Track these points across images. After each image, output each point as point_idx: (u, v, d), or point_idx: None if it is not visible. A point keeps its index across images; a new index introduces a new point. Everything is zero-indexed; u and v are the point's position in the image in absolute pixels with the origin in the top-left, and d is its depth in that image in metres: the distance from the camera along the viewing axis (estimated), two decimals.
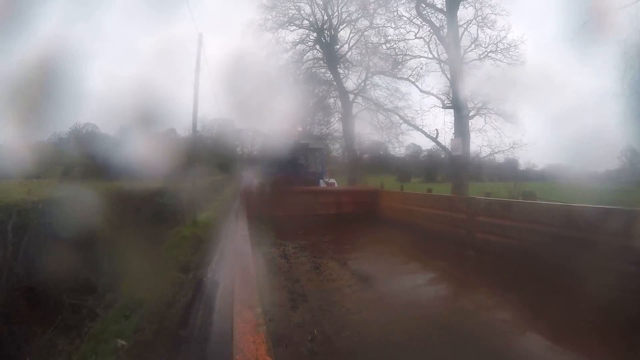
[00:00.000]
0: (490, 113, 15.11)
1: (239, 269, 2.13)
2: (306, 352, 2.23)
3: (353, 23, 18.05)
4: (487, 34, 14.70)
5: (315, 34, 18.82)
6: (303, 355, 2.20)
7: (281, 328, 2.53)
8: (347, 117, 18.81)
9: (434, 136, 15.92)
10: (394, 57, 16.61)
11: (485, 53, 14.76)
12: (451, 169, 15.31)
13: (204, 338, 3.49)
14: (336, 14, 18.32)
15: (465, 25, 14.81)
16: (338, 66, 18.71)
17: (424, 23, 15.70)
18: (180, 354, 3.24)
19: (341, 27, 18.42)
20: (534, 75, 13.01)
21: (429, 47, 15.85)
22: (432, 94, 15.97)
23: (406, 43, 16.30)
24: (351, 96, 18.83)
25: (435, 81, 17.00)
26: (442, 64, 15.54)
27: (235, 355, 1.10)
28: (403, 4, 16.11)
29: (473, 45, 14.92)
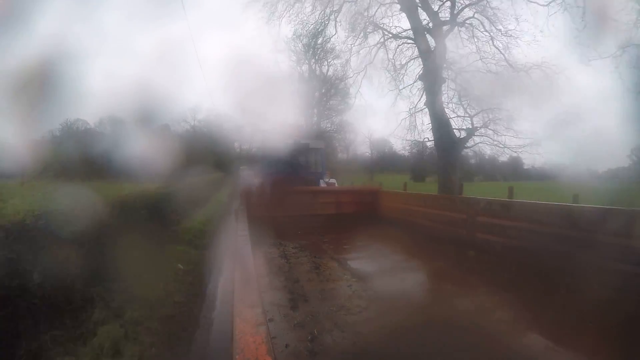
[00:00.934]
0: None
1: (239, 269, 2.14)
2: (306, 352, 2.23)
3: None
4: None
5: None
6: (303, 355, 2.20)
7: (281, 328, 2.53)
8: (433, 83, 11.47)
9: None
10: None
11: None
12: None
13: (204, 338, 3.49)
14: None
15: None
16: None
17: None
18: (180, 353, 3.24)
19: None
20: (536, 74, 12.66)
21: None
22: None
23: None
24: (444, 29, 11.53)
25: None
26: None
27: (235, 355, 1.10)
28: None
29: None
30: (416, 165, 29.35)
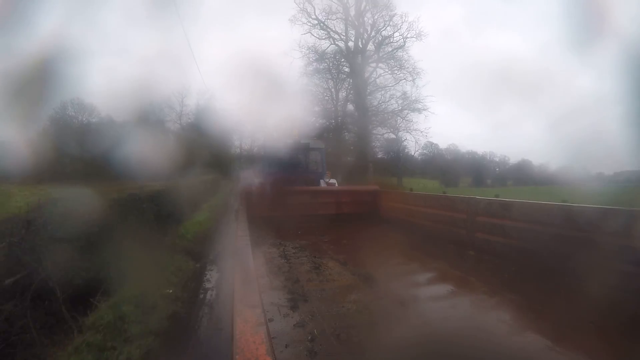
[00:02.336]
0: None
1: (239, 269, 2.13)
2: (306, 352, 2.23)
3: None
4: None
5: None
6: (303, 355, 2.20)
7: (281, 328, 2.52)
8: None
9: None
10: None
11: None
12: None
13: (204, 338, 3.49)
14: None
15: None
16: None
17: None
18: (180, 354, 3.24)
19: None
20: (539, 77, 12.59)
21: None
22: None
23: None
24: None
25: None
26: None
27: (235, 355, 1.10)
28: None
29: None
30: (445, 168, 25.97)
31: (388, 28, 18.53)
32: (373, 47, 19.16)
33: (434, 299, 3.20)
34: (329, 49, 19.17)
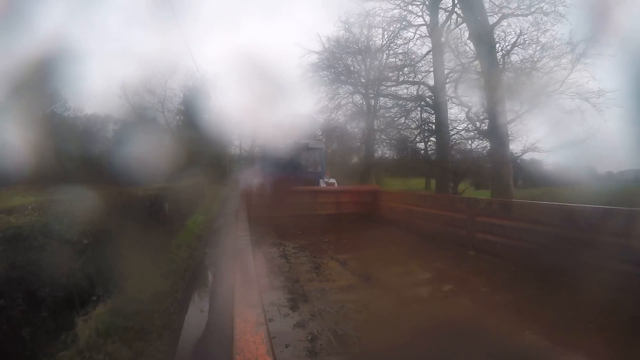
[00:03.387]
0: None
1: (239, 269, 2.14)
2: (306, 352, 2.23)
3: None
4: None
5: None
6: (303, 355, 2.20)
7: (281, 328, 2.52)
8: None
9: None
10: None
11: None
12: None
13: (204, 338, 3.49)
14: None
15: None
16: None
17: None
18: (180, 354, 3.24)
19: None
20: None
21: None
22: None
23: None
24: None
25: None
26: None
27: (235, 355, 1.09)
28: None
29: None
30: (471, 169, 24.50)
31: None
32: None
33: (433, 299, 3.20)
34: None
